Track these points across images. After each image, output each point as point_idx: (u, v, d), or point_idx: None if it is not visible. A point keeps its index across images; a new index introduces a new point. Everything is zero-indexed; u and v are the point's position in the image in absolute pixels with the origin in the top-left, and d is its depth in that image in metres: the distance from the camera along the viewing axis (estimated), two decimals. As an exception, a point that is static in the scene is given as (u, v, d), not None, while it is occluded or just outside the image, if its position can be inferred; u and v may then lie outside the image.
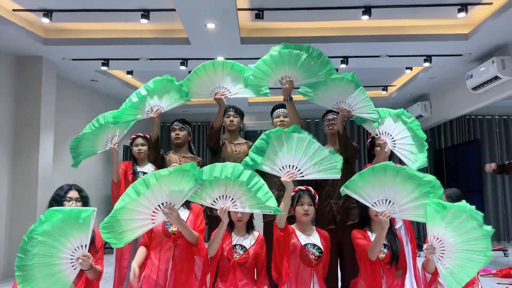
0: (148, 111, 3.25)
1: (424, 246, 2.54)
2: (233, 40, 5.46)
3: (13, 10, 4.92)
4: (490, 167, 4.85)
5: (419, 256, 3.46)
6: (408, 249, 3.34)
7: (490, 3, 4.82)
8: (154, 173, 2.46)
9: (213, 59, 5.88)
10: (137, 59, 6.18)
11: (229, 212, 2.65)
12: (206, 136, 3.72)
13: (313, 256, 2.72)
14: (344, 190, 2.62)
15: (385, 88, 8.34)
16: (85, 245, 2.36)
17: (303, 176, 2.70)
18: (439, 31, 5.50)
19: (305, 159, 2.69)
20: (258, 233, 2.93)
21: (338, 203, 3.35)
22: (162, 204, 2.50)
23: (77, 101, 7.24)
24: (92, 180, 7.38)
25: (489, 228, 2.34)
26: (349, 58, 6.13)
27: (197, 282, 2.78)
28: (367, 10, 4.81)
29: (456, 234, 2.39)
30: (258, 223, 3.54)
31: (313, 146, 2.70)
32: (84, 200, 2.79)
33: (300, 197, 2.79)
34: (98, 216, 2.40)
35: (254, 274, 2.84)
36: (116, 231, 2.42)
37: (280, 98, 3.33)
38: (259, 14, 4.85)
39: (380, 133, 3.21)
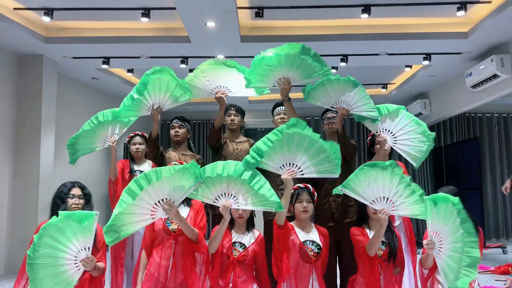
0: (148, 108, 3.28)
1: (424, 241, 2.58)
2: (233, 39, 5.47)
3: (14, 8, 4.94)
4: (506, 188, 4.71)
5: (418, 254, 3.49)
6: (406, 246, 3.37)
7: (489, 2, 4.83)
8: (156, 170, 2.49)
9: (213, 57, 6.00)
10: (138, 57, 6.20)
11: (230, 209, 2.68)
12: (207, 136, 3.74)
13: (312, 253, 2.75)
14: (341, 190, 2.65)
15: (384, 86, 8.36)
16: (88, 247, 2.41)
17: (303, 174, 2.74)
18: (438, 29, 5.51)
19: (305, 157, 2.71)
20: (258, 232, 2.96)
21: (337, 200, 3.38)
22: (162, 200, 2.54)
23: (78, 99, 7.27)
24: (94, 177, 7.42)
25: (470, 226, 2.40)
26: (348, 56, 6.16)
27: (198, 278, 2.81)
28: (366, 9, 4.83)
29: (449, 228, 2.45)
30: (259, 222, 3.57)
31: (314, 145, 2.72)
32: (86, 197, 2.82)
33: (299, 194, 2.82)
34: (99, 215, 2.45)
35: (253, 271, 2.87)
36: (117, 229, 2.46)
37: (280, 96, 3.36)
38: (259, 12, 4.87)
39: (380, 130, 3.22)
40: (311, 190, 2.87)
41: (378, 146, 3.40)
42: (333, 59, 6.18)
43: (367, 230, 2.86)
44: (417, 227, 8.60)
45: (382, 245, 2.77)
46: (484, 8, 5.03)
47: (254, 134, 9.49)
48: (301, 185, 2.86)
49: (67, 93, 6.95)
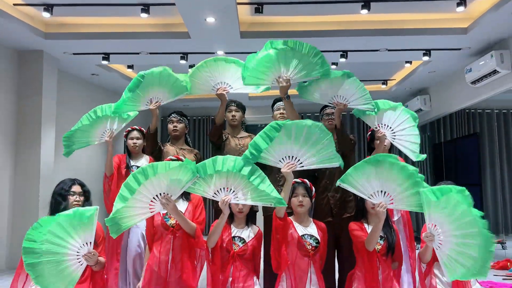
0: (147, 102, 3.29)
1: (423, 234, 2.59)
2: (232, 34, 5.48)
3: (14, 4, 4.94)
4: None
5: (417, 249, 3.50)
6: (404, 241, 3.38)
7: (489, -3, 4.84)
8: (153, 165, 2.51)
9: (213, 53, 6.01)
10: (138, 53, 6.21)
11: (229, 204, 2.70)
12: (209, 133, 3.74)
13: (310, 247, 2.77)
14: (340, 184, 2.66)
15: (384, 82, 8.36)
16: (90, 242, 2.43)
17: (303, 167, 2.72)
18: (438, 25, 5.51)
19: (304, 149, 2.71)
20: (257, 228, 2.98)
21: (335, 196, 3.40)
22: (160, 194, 2.56)
23: (78, 95, 7.27)
24: (94, 174, 7.42)
25: (478, 212, 2.41)
26: (348, 52, 6.15)
27: (197, 273, 2.84)
28: (366, 4, 4.82)
29: (451, 220, 2.45)
30: (258, 218, 3.60)
31: (312, 137, 2.71)
32: (86, 194, 2.85)
33: (295, 188, 2.84)
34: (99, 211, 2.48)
35: (253, 264, 2.89)
36: (118, 221, 2.48)
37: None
38: (258, 8, 4.87)
39: (379, 126, 3.23)
40: (308, 185, 2.89)
41: (378, 141, 3.41)
42: (332, 55, 6.18)
43: (366, 225, 2.88)
44: (417, 223, 8.63)
45: (380, 239, 2.79)
46: (484, 4, 5.02)
47: (255, 130, 9.44)
48: (297, 180, 2.88)
49: (67, 89, 6.96)
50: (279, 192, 2.67)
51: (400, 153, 3.35)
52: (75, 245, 2.40)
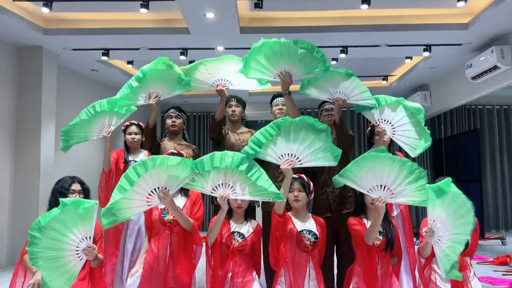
0: (146, 97, 3.28)
1: (424, 229, 2.59)
2: (232, 30, 5.46)
3: (13, 0, 4.93)
4: None
5: (416, 245, 3.51)
6: (403, 236, 3.39)
7: (490, -8, 4.82)
8: (153, 157, 2.51)
9: (213, 48, 6.01)
10: (137, 49, 6.20)
11: (228, 199, 2.70)
12: (209, 129, 3.74)
13: (309, 242, 2.77)
14: (338, 179, 2.67)
15: (385, 78, 8.34)
16: (90, 237, 2.43)
17: (301, 164, 2.74)
18: (438, 20, 5.49)
19: (303, 147, 2.73)
20: (256, 222, 2.99)
21: (334, 191, 3.40)
22: (158, 188, 2.56)
23: (77, 91, 7.27)
24: (94, 171, 7.42)
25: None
26: (348, 48, 6.13)
27: (193, 269, 2.84)
28: (366, -1, 4.81)
29: (452, 218, 2.46)
30: (257, 213, 3.60)
31: (310, 135, 2.73)
32: (86, 192, 2.85)
33: (291, 184, 2.83)
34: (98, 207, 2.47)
35: (252, 259, 2.90)
36: (115, 212, 2.48)
37: (280, 88, 3.36)
38: (258, 3, 4.84)
39: (379, 121, 3.23)
40: (305, 180, 2.90)
41: (378, 136, 3.41)
42: (333, 51, 6.16)
43: (365, 220, 2.88)
44: (417, 218, 8.64)
45: (379, 235, 2.79)
46: (485, -1, 5.01)
47: (255, 127, 9.45)
48: (294, 175, 2.88)
49: (67, 85, 6.95)
50: (278, 189, 2.68)
51: (400, 149, 3.34)
52: (75, 239, 2.40)
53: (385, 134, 3.25)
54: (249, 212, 3.00)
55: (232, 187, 2.66)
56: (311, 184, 2.93)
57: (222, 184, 2.66)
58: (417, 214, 8.75)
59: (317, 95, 3.20)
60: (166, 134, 3.87)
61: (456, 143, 8.73)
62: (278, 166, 2.77)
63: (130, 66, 7.12)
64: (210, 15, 5.01)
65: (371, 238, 2.71)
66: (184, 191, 2.93)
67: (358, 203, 2.96)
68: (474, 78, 6.16)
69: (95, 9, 5.32)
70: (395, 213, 3.47)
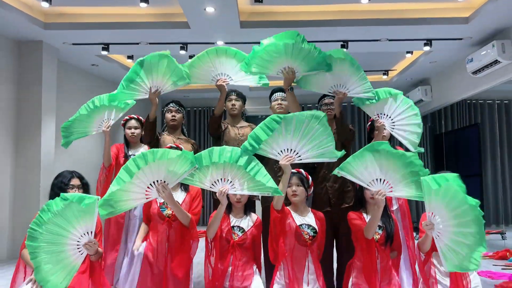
0: (146, 91, 3.27)
1: (423, 223, 2.59)
2: (232, 24, 5.45)
3: (13, -6, 4.92)
4: None
5: (416, 240, 3.51)
6: (402, 231, 3.39)
7: (491, -14, 4.79)
8: (153, 150, 2.52)
9: (213, 43, 5.99)
10: (137, 44, 6.18)
11: (227, 194, 2.71)
12: (208, 124, 3.73)
13: (308, 236, 2.78)
14: (338, 172, 2.67)
15: (385, 72, 8.33)
16: (91, 232, 2.44)
17: (301, 160, 2.75)
18: (439, 14, 5.47)
19: (303, 143, 2.73)
20: (256, 216, 3.00)
21: (333, 186, 3.40)
22: (157, 181, 2.56)
23: (78, 86, 7.26)
24: (94, 166, 7.43)
25: (473, 201, 2.40)
26: (349, 42, 6.12)
27: (190, 263, 2.86)
28: (366, -6, 4.80)
29: (449, 209, 2.45)
30: (257, 208, 3.61)
31: (311, 131, 2.73)
32: (85, 187, 2.84)
33: (289, 178, 2.83)
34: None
35: (253, 253, 2.92)
36: (113, 204, 2.49)
37: (280, 83, 3.35)
38: (258, -3, 4.84)
39: (378, 116, 3.22)
40: (303, 175, 2.90)
41: (377, 131, 3.41)
42: (333, 45, 6.13)
43: (365, 215, 2.88)
44: (417, 213, 8.65)
45: (379, 229, 2.80)
46: (486, -7, 4.99)
47: (255, 121, 9.44)
48: (293, 170, 2.88)
49: (67, 79, 6.94)
50: (278, 184, 2.68)
51: (401, 144, 3.34)
52: (76, 234, 2.41)
53: (384, 128, 3.24)
54: (249, 206, 3.02)
55: (231, 182, 2.67)
56: (310, 178, 2.93)
57: (221, 179, 2.67)
58: (417, 208, 8.76)
59: (317, 89, 3.19)
60: (164, 129, 3.87)
61: (456, 138, 8.73)
62: (278, 161, 2.78)
63: (130, 61, 7.10)
64: (210, 9, 4.99)
65: (371, 231, 2.72)
66: (184, 186, 2.94)
67: (358, 198, 2.97)
68: (474, 72, 6.15)
69: (95, 4, 5.30)
70: (394, 208, 3.48)
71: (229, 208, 2.91)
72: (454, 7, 5.42)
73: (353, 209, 2.98)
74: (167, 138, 3.68)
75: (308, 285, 2.74)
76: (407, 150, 3.13)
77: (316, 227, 2.83)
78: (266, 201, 3.44)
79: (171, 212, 2.81)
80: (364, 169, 2.65)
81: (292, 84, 3.20)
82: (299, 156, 2.74)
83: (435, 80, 8.17)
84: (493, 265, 5.06)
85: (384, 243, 2.81)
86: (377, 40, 6.12)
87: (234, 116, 3.82)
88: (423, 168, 2.64)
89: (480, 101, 9.02)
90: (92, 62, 7.08)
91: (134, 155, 3.58)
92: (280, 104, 3.59)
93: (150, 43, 6.16)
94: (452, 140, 8.81)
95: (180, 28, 5.57)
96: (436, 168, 9.11)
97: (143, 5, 4.91)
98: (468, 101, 8.96)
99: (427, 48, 6.24)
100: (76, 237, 2.41)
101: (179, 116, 3.78)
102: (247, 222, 2.92)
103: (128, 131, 3.76)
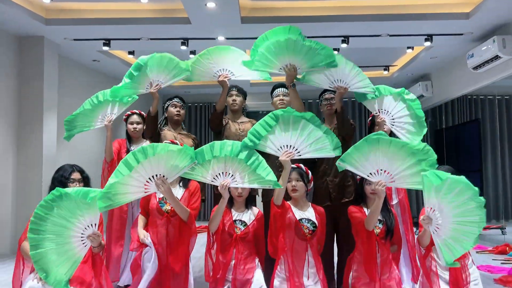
0: (147, 86, 3.29)
1: (421, 217, 2.61)
2: (233, 20, 5.44)
3: (14, -10, 4.92)
4: None
5: (416, 234, 3.53)
6: (402, 225, 3.41)
7: (492, -19, 4.79)
8: (153, 145, 2.54)
9: (214, 38, 5.99)
10: (138, 39, 6.18)
11: (229, 188, 2.73)
12: (209, 119, 3.75)
13: (308, 230, 2.80)
14: (339, 163, 2.68)
15: (386, 68, 8.32)
16: (95, 224, 2.46)
17: (300, 155, 2.77)
18: (440, 10, 5.46)
19: (302, 139, 2.75)
20: (257, 209, 3.02)
21: (334, 180, 3.41)
22: (156, 175, 2.58)
23: (79, 81, 7.27)
24: (96, 160, 7.45)
25: (482, 199, 2.41)
26: (349, 38, 6.11)
27: (188, 258, 2.88)
28: (367, -11, 4.80)
29: (452, 206, 2.45)
30: (258, 203, 3.62)
31: (309, 127, 2.76)
32: (86, 180, 2.87)
33: (289, 173, 2.85)
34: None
35: (255, 246, 2.94)
36: (111, 197, 2.50)
37: (281, 79, 3.36)
38: (259, -7, 4.84)
39: (379, 111, 3.24)
40: (303, 170, 2.92)
41: (378, 127, 3.42)
42: (334, 41, 6.14)
43: (365, 209, 2.90)
44: (417, 207, 8.67)
45: (379, 223, 2.82)
46: (487, -12, 4.98)
47: (256, 117, 9.43)
48: (292, 165, 2.90)
49: (69, 75, 6.95)
50: (278, 179, 2.71)
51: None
52: (80, 226, 2.44)
53: (385, 124, 3.26)
54: (249, 201, 3.04)
55: (232, 175, 2.69)
56: (310, 173, 2.95)
57: (222, 173, 2.69)
58: (417, 203, 8.78)
59: (318, 84, 3.21)
60: (164, 124, 3.87)
61: (457, 133, 8.73)
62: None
63: (131, 56, 7.10)
64: (211, 4, 4.99)
65: (372, 223, 2.74)
66: (183, 183, 2.96)
67: (358, 193, 2.99)
68: (475, 68, 6.15)
69: (96, -1, 5.31)
70: (394, 202, 3.50)
71: (231, 202, 2.93)
72: (455, 3, 5.41)
73: (353, 203, 3.00)
74: (168, 133, 3.69)
75: (308, 279, 2.77)
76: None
77: (316, 222, 2.85)
78: (266, 196, 3.46)
79: (170, 208, 2.83)
80: (365, 160, 2.66)
81: (294, 80, 3.21)
82: (298, 152, 2.77)
83: (435, 76, 8.16)
84: (493, 259, 5.08)
85: (384, 237, 2.83)
86: (378, 36, 6.11)
87: (234, 112, 3.83)
88: (431, 154, 2.64)
89: (480, 97, 9.01)
90: (93, 58, 7.09)
91: None
92: (282, 99, 3.60)
93: (151, 39, 6.16)
94: (453, 135, 8.81)
95: (181, 23, 5.57)
96: (437, 163, 9.11)
97: (144, 0, 4.92)
98: (469, 97, 8.95)
99: (428, 43, 6.23)
100: (80, 229, 2.43)
101: (183, 112, 3.79)
102: (248, 216, 2.94)
103: (130, 126, 3.78)
